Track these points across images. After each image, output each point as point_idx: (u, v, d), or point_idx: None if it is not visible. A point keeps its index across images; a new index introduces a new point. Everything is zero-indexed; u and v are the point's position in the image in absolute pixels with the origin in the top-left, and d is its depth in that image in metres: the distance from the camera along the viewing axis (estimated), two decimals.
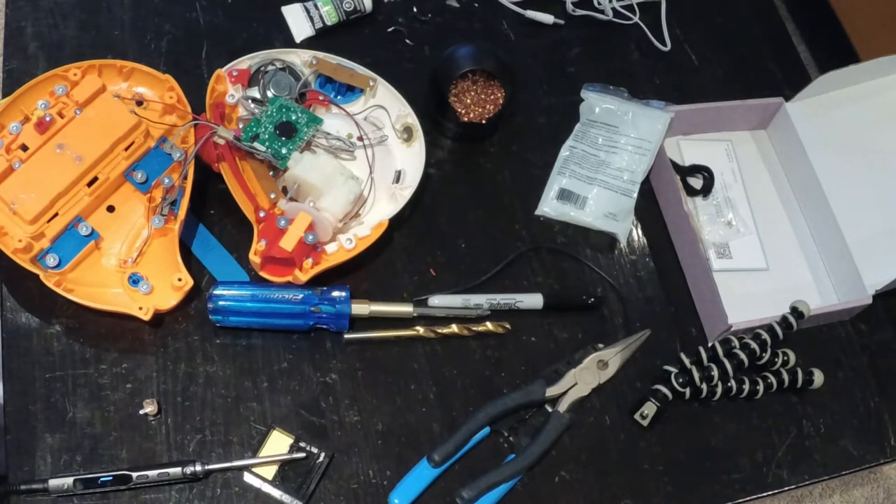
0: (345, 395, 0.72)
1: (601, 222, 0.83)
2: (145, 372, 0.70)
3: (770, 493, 0.74)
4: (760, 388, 0.75)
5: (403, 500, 0.67)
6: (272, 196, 0.73)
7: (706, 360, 0.75)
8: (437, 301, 0.75)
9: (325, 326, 0.73)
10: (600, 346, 0.76)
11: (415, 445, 0.70)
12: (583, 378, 0.74)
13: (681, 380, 0.73)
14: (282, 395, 0.71)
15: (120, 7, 0.87)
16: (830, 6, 1.70)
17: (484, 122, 0.83)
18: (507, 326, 0.76)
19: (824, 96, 0.88)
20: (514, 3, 0.94)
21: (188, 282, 0.70)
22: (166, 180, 0.72)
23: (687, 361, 0.74)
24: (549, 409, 0.73)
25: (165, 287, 0.70)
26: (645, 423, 0.73)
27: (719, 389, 0.74)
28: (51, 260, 0.68)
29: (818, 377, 0.76)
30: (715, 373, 0.74)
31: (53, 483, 0.63)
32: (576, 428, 0.73)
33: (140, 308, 0.68)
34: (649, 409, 0.73)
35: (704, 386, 0.73)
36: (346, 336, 0.73)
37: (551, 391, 0.73)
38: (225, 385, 0.70)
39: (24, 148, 0.69)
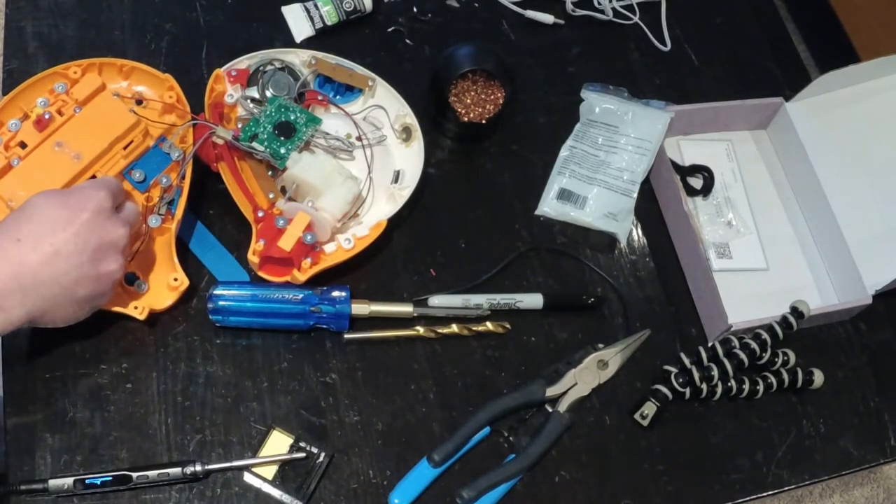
0: (345, 395, 0.71)
1: (601, 222, 0.83)
2: (145, 372, 0.70)
3: (770, 493, 0.74)
4: (760, 388, 0.75)
5: (403, 500, 0.67)
6: (271, 196, 0.73)
7: (706, 360, 0.74)
8: (437, 301, 0.75)
9: (325, 326, 0.73)
10: (600, 346, 0.76)
11: (415, 445, 0.70)
12: (583, 378, 0.74)
13: (681, 380, 0.73)
14: (282, 395, 0.71)
15: (120, 7, 0.86)
16: (830, 6, 1.70)
17: (484, 122, 0.83)
18: (507, 326, 0.76)
19: (824, 96, 0.88)
20: (514, 3, 0.94)
21: (184, 282, 0.70)
22: (164, 180, 0.72)
23: (687, 361, 0.74)
24: (549, 409, 0.73)
25: (161, 287, 0.70)
26: (645, 422, 0.73)
27: (719, 389, 0.74)
28: None
29: (818, 377, 0.76)
30: (715, 373, 0.74)
31: (53, 483, 0.63)
32: (576, 428, 0.73)
33: (135, 307, 0.68)
34: (649, 409, 0.73)
35: (704, 386, 0.73)
36: (346, 336, 0.73)
37: (551, 391, 0.72)
38: (225, 385, 0.70)
39: (23, 145, 0.69)
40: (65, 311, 0.61)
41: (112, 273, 0.63)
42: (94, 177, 0.70)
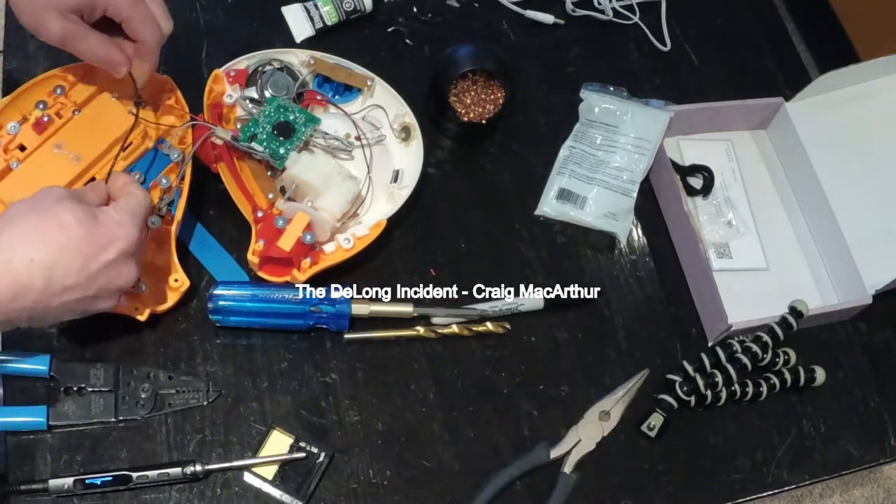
0: (345, 395, 0.71)
1: (601, 222, 0.83)
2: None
3: (770, 493, 0.74)
4: (764, 389, 0.74)
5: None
6: (270, 196, 0.73)
7: (709, 367, 0.74)
8: (440, 320, 0.74)
9: (325, 326, 0.73)
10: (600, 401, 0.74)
11: (415, 445, 0.70)
12: (586, 433, 0.72)
13: (685, 388, 0.73)
14: (282, 395, 0.71)
15: None
16: (830, 6, 1.70)
17: (484, 122, 0.83)
18: (507, 326, 0.76)
19: (824, 96, 0.88)
20: (514, 3, 0.94)
21: (184, 283, 0.70)
22: (164, 181, 0.72)
23: (690, 369, 0.74)
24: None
25: (162, 288, 0.70)
26: (652, 434, 0.72)
27: (724, 395, 0.73)
28: None
29: (820, 374, 0.76)
30: (719, 379, 0.73)
31: (53, 483, 0.63)
32: None
33: (136, 309, 0.68)
34: (656, 420, 0.72)
35: (709, 393, 0.73)
36: (346, 336, 0.73)
37: (555, 452, 0.71)
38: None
39: (22, 148, 0.69)
40: (44, 322, 0.60)
41: (105, 308, 0.62)
42: (93, 179, 0.70)
